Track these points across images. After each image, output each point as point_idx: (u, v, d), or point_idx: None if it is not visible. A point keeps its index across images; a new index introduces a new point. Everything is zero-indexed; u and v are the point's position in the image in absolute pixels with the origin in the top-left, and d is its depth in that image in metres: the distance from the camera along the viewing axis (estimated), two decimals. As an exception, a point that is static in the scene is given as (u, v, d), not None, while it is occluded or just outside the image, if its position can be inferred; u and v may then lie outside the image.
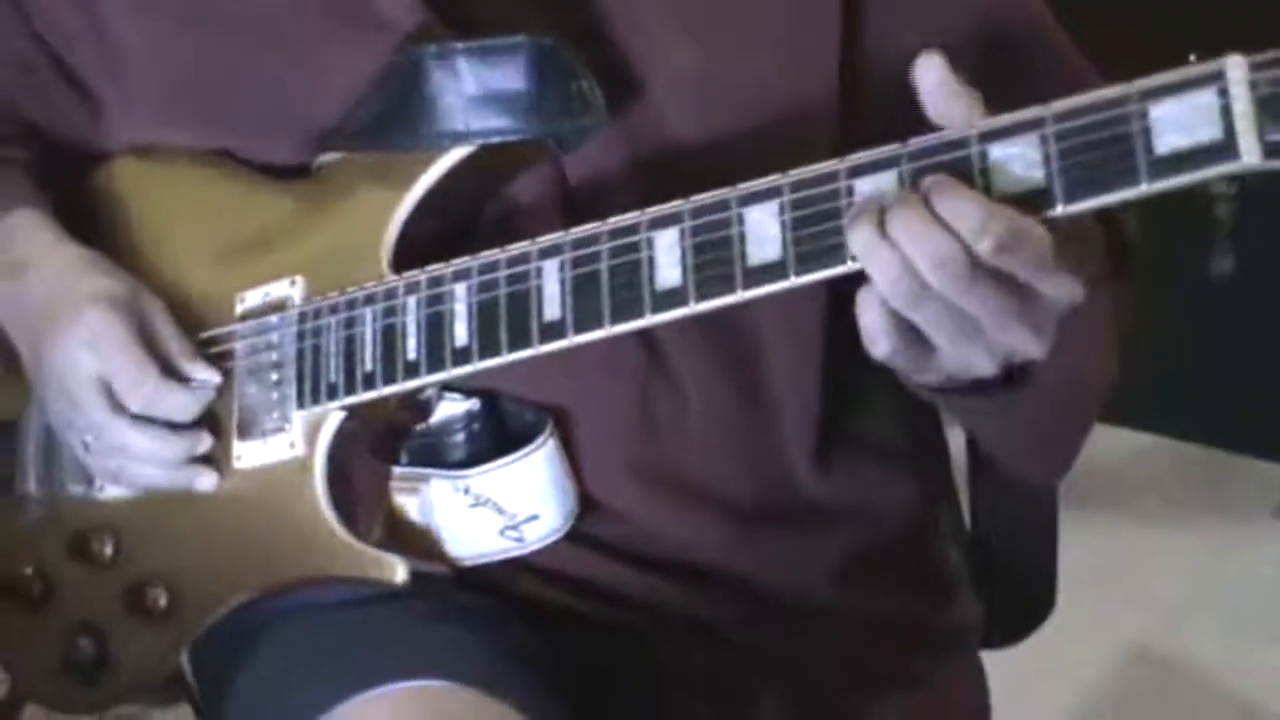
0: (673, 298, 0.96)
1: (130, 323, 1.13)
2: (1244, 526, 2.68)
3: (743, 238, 0.94)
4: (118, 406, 1.12)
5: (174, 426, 1.13)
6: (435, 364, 1.05)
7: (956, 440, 1.26)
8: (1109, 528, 2.54)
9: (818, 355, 1.12)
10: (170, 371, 1.13)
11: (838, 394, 1.14)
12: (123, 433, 1.13)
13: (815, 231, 0.92)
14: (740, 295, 0.94)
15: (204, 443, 1.13)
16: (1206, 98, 0.81)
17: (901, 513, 1.21)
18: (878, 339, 0.91)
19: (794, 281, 0.92)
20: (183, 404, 1.12)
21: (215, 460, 1.14)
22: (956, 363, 0.92)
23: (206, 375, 1.13)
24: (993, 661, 1.31)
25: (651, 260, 0.97)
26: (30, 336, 1.18)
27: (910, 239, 0.86)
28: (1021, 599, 1.35)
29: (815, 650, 1.18)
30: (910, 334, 0.90)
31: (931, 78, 0.89)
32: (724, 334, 1.10)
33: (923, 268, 0.87)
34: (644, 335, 1.07)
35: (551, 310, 1.01)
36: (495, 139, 1.06)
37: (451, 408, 1.11)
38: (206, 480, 1.14)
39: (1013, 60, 1.08)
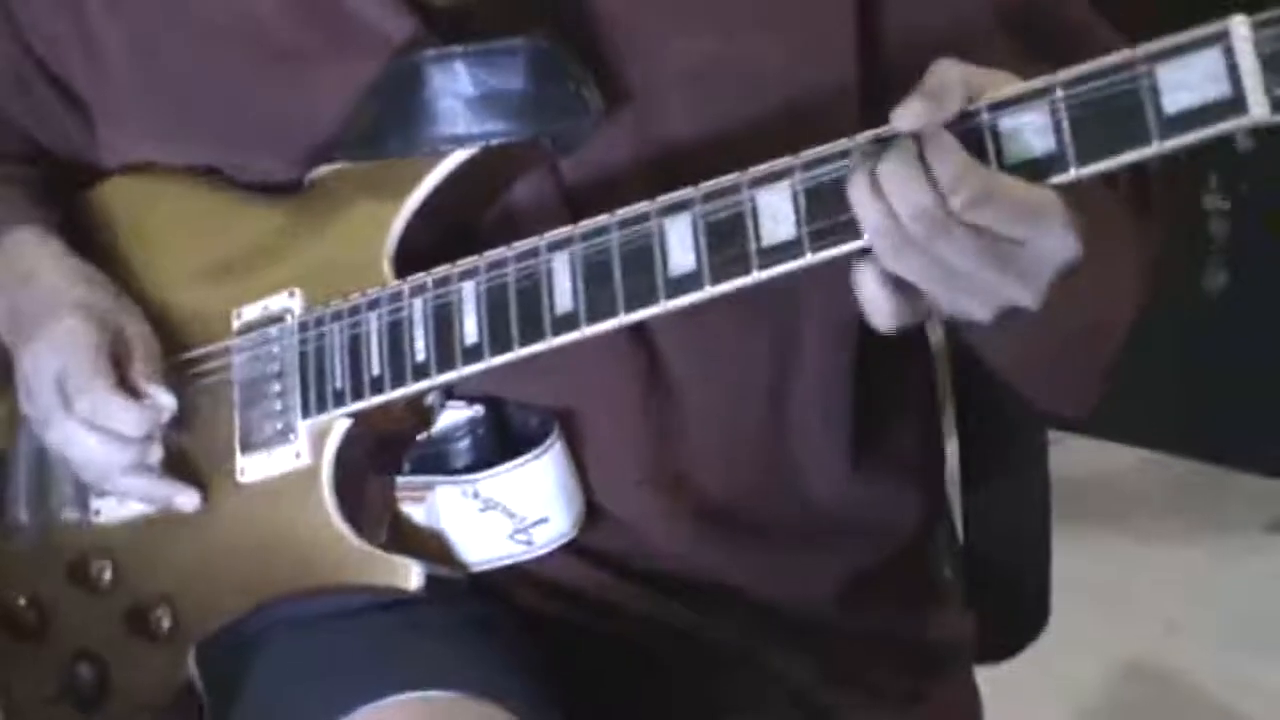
0: (688, 282, 0.96)
1: (100, 334, 1.12)
2: (1237, 541, 2.68)
3: (756, 217, 0.94)
4: (68, 402, 1.12)
5: (125, 438, 1.12)
6: (445, 363, 1.04)
7: (948, 451, 1.26)
8: (1103, 542, 2.54)
9: (849, 372, 1.12)
10: (128, 387, 1.12)
11: (866, 407, 1.14)
12: (68, 427, 1.12)
13: (829, 207, 0.92)
14: (756, 276, 0.94)
15: (154, 454, 1.12)
16: (1212, 57, 0.82)
17: (908, 527, 1.21)
18: (877, 308, 0.92)
19: (810, 259, 0.92)
20: (130, 419, 1.11)
21: (218, 476, 1.14)
22: (954, 314, 0.93)
23: (162, 398, 1.12)
24: (987, 676, 1.30)
25: (664, 245, 0.96)
26: (18, 340, 1.17)
27: (895, 189, 0.88)
28: (1015, 613, 1.35)
29: (813, 665, 1.17)
30: (904, 292, 0.91)
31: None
32: (739, 344, 1.10)
33: (903, 217, 0.88)
34: (642, 342, 1.07)
35: (563, 301, 1.00)
36: (495, 141, 1.05)
37: (454, 415, 1.11)
38: (188, 499, 1.14)
39: (1034, 32, 1.07)
